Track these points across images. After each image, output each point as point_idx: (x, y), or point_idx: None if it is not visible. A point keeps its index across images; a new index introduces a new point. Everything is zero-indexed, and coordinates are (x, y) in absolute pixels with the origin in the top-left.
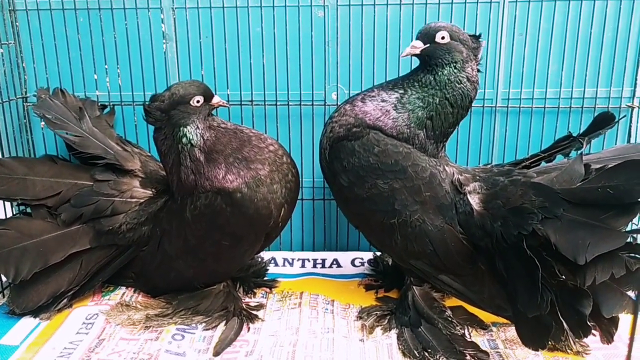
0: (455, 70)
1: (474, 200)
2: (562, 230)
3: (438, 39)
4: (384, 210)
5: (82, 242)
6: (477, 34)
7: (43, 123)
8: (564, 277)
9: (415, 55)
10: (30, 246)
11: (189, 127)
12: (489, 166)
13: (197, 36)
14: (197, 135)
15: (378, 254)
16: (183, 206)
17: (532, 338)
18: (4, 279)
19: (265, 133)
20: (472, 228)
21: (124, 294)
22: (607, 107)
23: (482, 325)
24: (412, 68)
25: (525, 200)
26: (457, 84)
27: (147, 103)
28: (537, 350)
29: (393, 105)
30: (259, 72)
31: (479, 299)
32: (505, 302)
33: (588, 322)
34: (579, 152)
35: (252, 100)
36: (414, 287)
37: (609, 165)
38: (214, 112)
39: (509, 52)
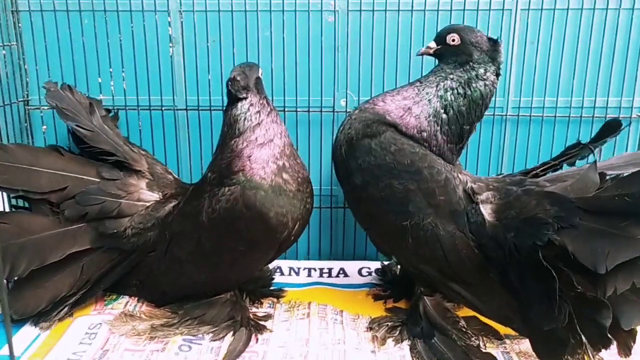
0: (462, 69)
1: (486, 211)
2: (579, 239)
3: (449, 40)
4: (397, 211)
5: (83, 241)
6: (495, 37)
7: (45, 127)
8: (581, 288)
9: (429, 54)
10: (29, 243)
11: (267, 101)
12: (501, 176)
13: (204, 40)
14: (273, 111)
15: (386, 263)
16: (199, 209)
17: (547, 352)
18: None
19: None
20: (483, 238)
21: (127, 303)
22: (618, 117)
23: (497, 336)
24: (423, 74)
25: (539, 210)
26: (466, 80)
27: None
28: None
29: (413, 101)
30: (267, 78)
31: (488, 309)
32: (513, 313)
33: (608, 335)
34: (591, 160)
35: None
36: (425, 297)
37: (625, 173)
38: None
39: (520, 61)
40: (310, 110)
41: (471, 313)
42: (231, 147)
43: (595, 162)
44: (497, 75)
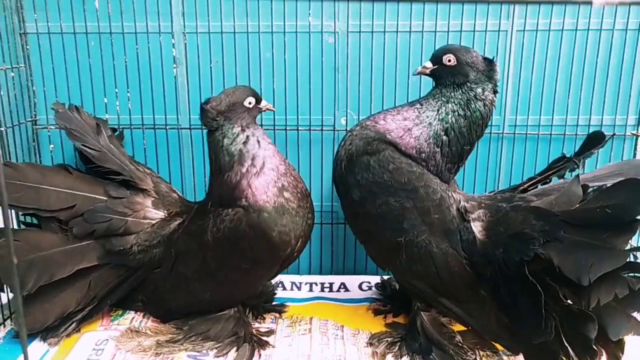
0: (461, 90)
1: (477, 228)
2: (564, 252)
3: (445, 61)
4: (393, 228)
5: (90, 258)
6: (491, 57)
7: (52, 146)
8: (569, 301)
9: (426, 74)
10: (38, 259)
11: (245, 129)
12: (492, 193)
13: (207, 61)
14: (252, 139)
15: (386, 277)
16: (204, 228)
17: None
18: (4, 300)
19: None
20: (474, 256)
21: (133, 318)
22: (613, 135)
23: (492, 349)
24: (421, 94)
25: (525, 225)
26: (465, 101)
27: (203, 103)
28: None
29: (413, 122)
30: (269, 97)
31: (479, 325)
32: (503, 330)
33: (594, 346)
34: (575, 173)
35: (262, 125)
36: (422, 313)
37: (607, 185)
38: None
39: (516, 80)
40: (312, 129)
41: (465, 328)
42: (226, 181)
43: (578, 175)
44: (495, 92)
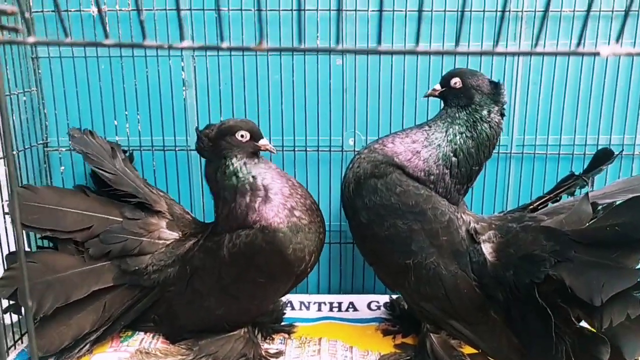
0: (467, 113)
1: (487, 250)
2: (575, 272)
3: (452, 84)
4: (401, 250)
5: (106, 279)
6: (497, 80)
7: (63, 167)
8: (581, 323)
9: (435, 96)
10: (54, 281)
11: (233, 160)
12: (502, 214)
13: (216, 83)
14: (245, 169)
15: (394, 297)
16: (220, 244)
17: None
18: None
19: None
20: (485, 278)
21: (142, 339)
22: (621, 152)
23: None
24: (429, 115)
25: (536, 246)
26: (471, 123)
27: (199, 129)
28: None
29: (422, 145)
30: (277, 119)
31: (490, 348)
32: (515, 353)
33: None
34: (585, 190)
35: None
36: (432, 335)
37: (617, 201)
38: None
39: (524, 100)
40: (320, 149)
41: (475, 350)
42: (233, 214)
43: (587, 193)
44: (502, 115)
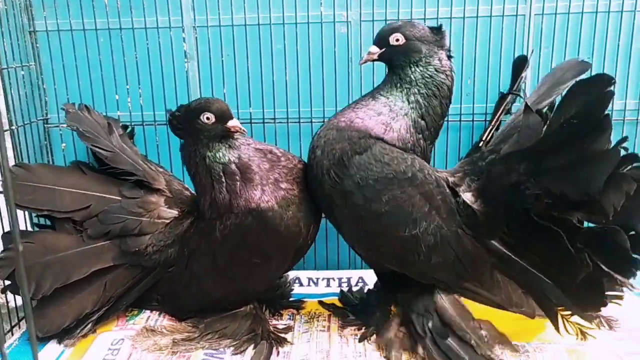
0: (420, 68)
1: (470, 199)
2: (559, 178)
3: (392, 41)
4: (405, 222)
5: (106, 259)
6: (438, 24)
7: (64, 145)
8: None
9: (375, 60)
10: (53, 261)
11: (199, 147)
12: (464, 159)
13: (219, 55)
14: (213, 156)
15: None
16: (212, 226)
17: (589, 300)
18: (19, 302)
19: (289, 151)
20: (480, 228)
21: (148, 318)
22: (637, 119)
23: (512, 348)
24: None
25: (512, 174)
26: (428, 79)
27: (171, 111)
28: (600, 310)
29: (389, 117)
30: (282, 90)
31: (501, 300)
32: (520, 298)
33: (634, 255)
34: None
35: (274, 118)
36: (442, 294)
37: (556, 99)
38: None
39: (536, 65)
40: (325, 120)
41: (484, 316)
42: (218, 199)
43: (526, 103)
44: (449, 58)
